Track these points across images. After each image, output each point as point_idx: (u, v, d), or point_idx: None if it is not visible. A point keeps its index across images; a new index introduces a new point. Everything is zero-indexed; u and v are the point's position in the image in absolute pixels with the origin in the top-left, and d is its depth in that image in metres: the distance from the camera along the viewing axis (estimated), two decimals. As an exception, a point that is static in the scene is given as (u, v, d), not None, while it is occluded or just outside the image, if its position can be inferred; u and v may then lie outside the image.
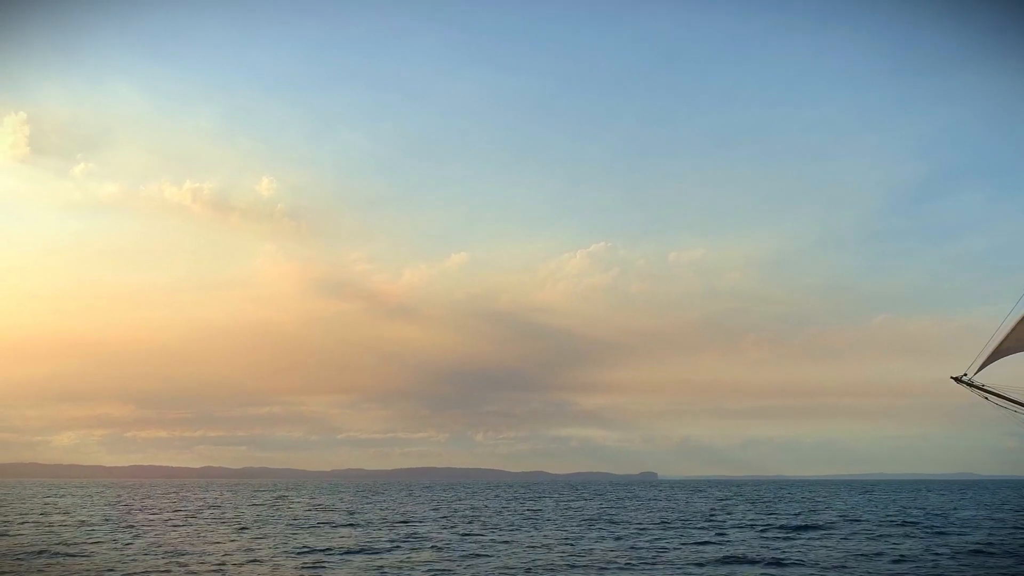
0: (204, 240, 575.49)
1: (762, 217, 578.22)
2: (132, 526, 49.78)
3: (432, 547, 37.49)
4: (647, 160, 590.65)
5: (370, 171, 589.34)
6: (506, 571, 29.63)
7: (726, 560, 32.97)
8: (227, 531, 46.06)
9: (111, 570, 29.20)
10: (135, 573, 28.60)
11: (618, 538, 42.38)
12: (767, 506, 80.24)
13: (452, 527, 50.10)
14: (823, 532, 46.16)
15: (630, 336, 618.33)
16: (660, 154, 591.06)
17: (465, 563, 31.89)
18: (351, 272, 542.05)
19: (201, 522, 53.67)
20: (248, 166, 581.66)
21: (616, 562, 32.08)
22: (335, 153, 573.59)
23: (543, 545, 38.60)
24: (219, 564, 30.85)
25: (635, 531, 46.95)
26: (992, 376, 31.62)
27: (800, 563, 32.03)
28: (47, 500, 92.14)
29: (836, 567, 30.92)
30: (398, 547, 37.41)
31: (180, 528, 48.27)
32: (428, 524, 52.79)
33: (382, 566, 30.72)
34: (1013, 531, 48.05)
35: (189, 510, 69.67)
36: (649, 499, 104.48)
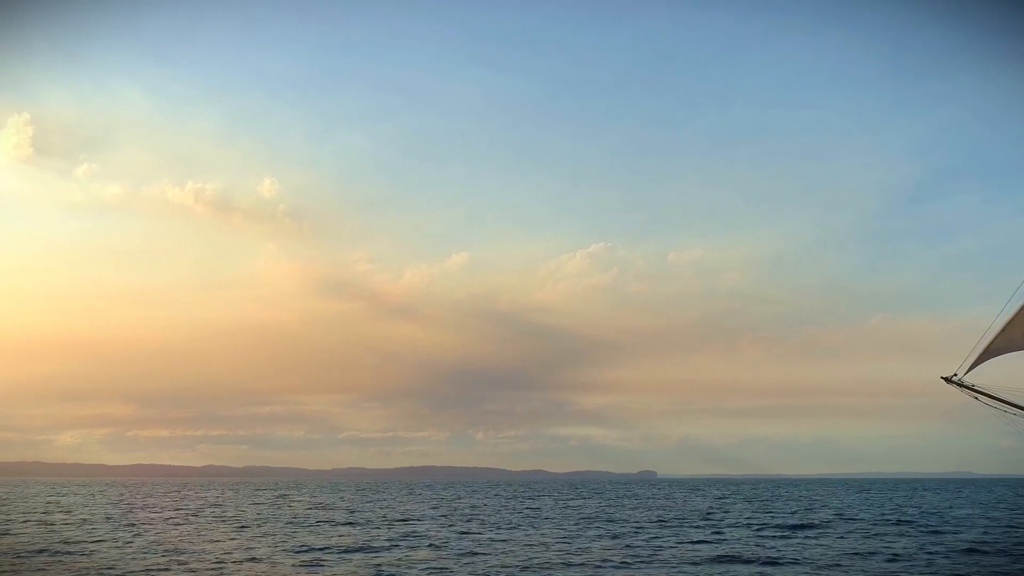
0: (206, 240, 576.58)
1: (760, 217, 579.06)
2: (133, 524, 50.13)
3: (430, 545, 37.80)
4: (646, 161, 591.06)
5: (371, 172, 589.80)
6: (503, 569, 29.91)
7: (721, 559, 33.23)
8: (227, 530, 46.40)
9: (111, 568, 29.47)
10: (135, 571, 28.86)
11: (614, 536, 42.70)
12: (764, 505, 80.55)
13: (451, 525, 50.44)
14: (819, 531, 46.45)
15: (629, 336, 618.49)
16: (659, 155, 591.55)
17: (462, 561, 32.18)
18: (352, 272, 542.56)
19: (202, 521, 54.02)
20: (250, 167, 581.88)
21: (611, 560, 32.37)
22: (336, 154, 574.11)
23: (540, 543, 38.91)
24: (218, 562, 31.17)
25: (632, 529, 47.26)
26: (983, 376, 31.92)
27: (795, 562, 32.28)
28: (49, 499, 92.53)
29: (831, 566, 31.15)
30: (396, 545, 37.71)
31: (181, 527, 48.61)
32: (427, 523, 53.12)
33: (380, 564, 31.01)
34: (1007, 529, 48.32)
35: (190, 509, 70.03)
36: (647, 498, 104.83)
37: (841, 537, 42.43)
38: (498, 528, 48.63)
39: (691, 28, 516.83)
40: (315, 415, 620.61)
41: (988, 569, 30.64)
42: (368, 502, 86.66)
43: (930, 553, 35.11)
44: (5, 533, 43.78)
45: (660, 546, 37.87)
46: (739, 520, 55.96)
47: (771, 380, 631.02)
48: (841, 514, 62.69)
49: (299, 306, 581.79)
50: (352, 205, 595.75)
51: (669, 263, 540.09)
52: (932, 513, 64.62)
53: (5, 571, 29.17)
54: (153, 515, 59.97)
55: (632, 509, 71.97)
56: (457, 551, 35.54)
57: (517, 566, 30.64)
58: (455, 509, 71.56)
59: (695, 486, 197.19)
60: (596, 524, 51.98)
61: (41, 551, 34.55)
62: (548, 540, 40.55)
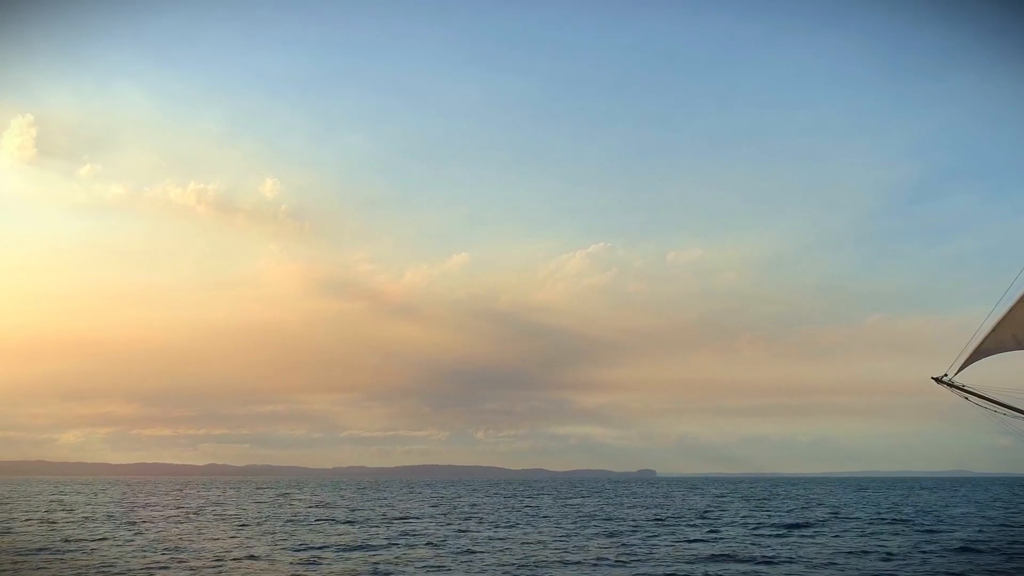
0: (208, 241, 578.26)
1: (759, 218, 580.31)
2: (134, 523, 50.47)
3: (428, 543, 38.10)
4: (645, 162, 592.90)
5: (372, 172, 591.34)
6: (500, 567, 30.20)
7: (716, 558, 33.49)
8: (227, 528, 46.72)
9: (111, 566, 29.76)
10: (135, 569, 29.15)
11: (611, 535, 43.01)
12: (761, 503, 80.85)
13: (449, 524, 50.75)
14: (815, 530, 46.73)
15: (629, 335, 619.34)
16: (658, 155, 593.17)
17: (460, 559, 32.49)
18: (354, 272, 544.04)
19: (203, 519, 54.35)
20: (252, 168, 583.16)
21: (607, 559, 32.67)
22: (338, 155, 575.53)
23: (538, 541, 39.21)
24: (217, 560, 31.47)
25: (629, 528, 47.57)
26: (974, 376, 32.20)
27: (790, 560, 32.53)
28: (52, 497, 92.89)
29: (825, 564, 31.39)
30: (395, 544, 38.03)
31: (182, 525, 48.94)
32: (426, 521, 53.44)
33: (377, 562, 31.31)
34: (1002, 528, 48.59)
35: (191, 507, 70.38)
36: (646, 496, 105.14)
37: (837, 536, 42.72)
38: (496, 526, 48.95)
39: (690, 29, 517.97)
40: (316, 414, 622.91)
41: (981, 567, 30.87)
42: (368, 501, 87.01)
43: (924, 552, 35.38)
44: (7, 531, 44.12)
45: (656, 545, 38.17)
46: (736, 519, 56.26)
47: (770, 379, 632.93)
48: (837, 513, 62.99)
49: (301, 306, 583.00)
50: (353, 205, 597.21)
51: (668, 263, 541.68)
52: (928, 512, 64.92)
53: (6, 569, 29.47)
54: (154, 513, 60.31)
55: (630, 508, 72.29)
56: (455, 549, 35.86)
57: (514, 564, 30.94)
58: (454, 508, 71.89)
59: (694, 485, 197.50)
60: (594, 523, 52.30)
61: (42, 549, 34.89)
62: (545, 538, 40.87)
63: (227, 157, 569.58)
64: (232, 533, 43.31)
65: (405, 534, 43.24)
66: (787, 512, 64.45)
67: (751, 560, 32.81)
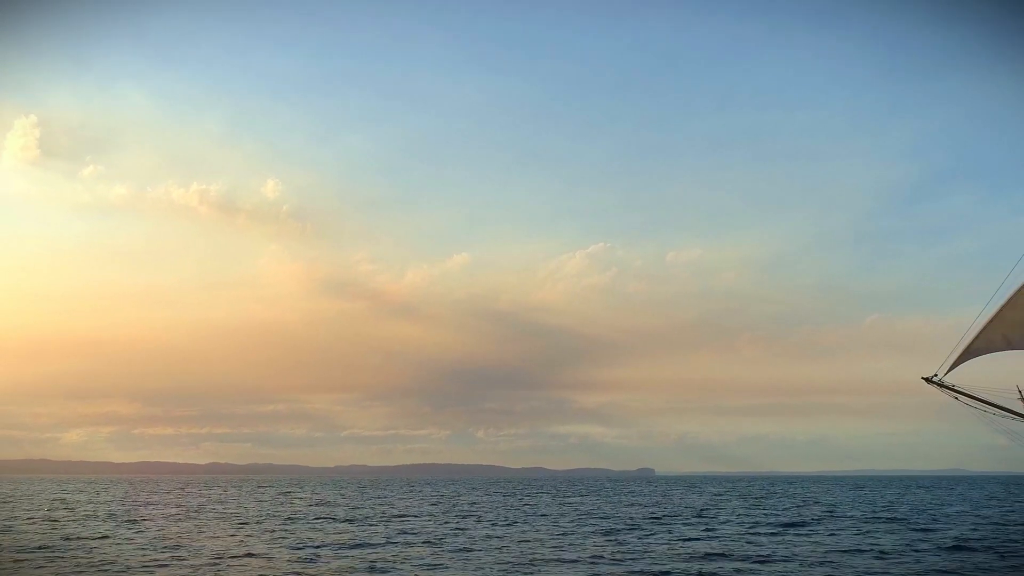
0: (210, 241, 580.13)
1: (757, 218, 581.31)
2: (135, 521, 50.80)
3: (425, 542, 38.40)
4: (645, 162, 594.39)
5: (373, 173, 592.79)
6: (497, 565, 30.50)
7: (711, 556, 33.78)
8: (228, 526, 47.05)
9: (111, 564, 30.08)
10: (135, 567, 29.45)
11: (608, 533, 43.31)
12: (758, 502, 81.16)
13: (447, 522, 51.07)
14: (810, 528, 47.04)
15: (628, 335, 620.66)
16: (658, 156, 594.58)
17: (457, 557, 32.79)
18: (355, 272, 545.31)
19: (203, 518, 54.69)
20: (254, 168, 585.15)
21: (603, 557, 32.98)
22: (339, 155, 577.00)
23: (535, 540, 39.51)
24: (217, 557, 31.79)
25: (627, 526, 47.88)
26: (964, 376, 32.52)
27: (785, 559, 32.79)
28: (55, 496, 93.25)
29: (819, 563, 31.65)
30: (393, 542, 38.35)
31: (182, 523, 49.27)
32: (424, 519, 53.76)
33: (375, 560, 31.62)
34: (996, 527, 48.84)
35: (192, 506, 70.72)
36: (644, 495, 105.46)
37: (832, 534, 43.01)
38: (494, 525, 49.26)
39: (689, 31, 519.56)
40: (317, 413, 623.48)
41: (974, 565, 31.14)
42: (368, 499, 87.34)
43: (918, 550, 35.64)
44: (8, 530, 44.46)
45: (652, 543, 38.47)
46: (733, 517, 56.57)
47: (768, 379, 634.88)
48: (833, 511, 63.30)
49: (302, 306, 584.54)
50: (354, 206, 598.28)
51: (668, 263, 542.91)
52: (923, 510, 65.22)
53: (7, 567, 29.79)
54: (156, 512, 60.64)
55: (628, 506, 72.60)
56: (452, 547, 36.17)
57: (511, 562, 31.24)
58: (454, 506, 72.22)
59: (692, 483, 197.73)
60: (592, 521, 52.61)
61: (42, 547, 35.19)
62: (543, 537, 41.17)
63: (229, 158, 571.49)
64: (232, 531, 43.64)
65: (403, 532, 43.55)
66: (783, 510, 64.77)
67: (746, 558, 33.09)
